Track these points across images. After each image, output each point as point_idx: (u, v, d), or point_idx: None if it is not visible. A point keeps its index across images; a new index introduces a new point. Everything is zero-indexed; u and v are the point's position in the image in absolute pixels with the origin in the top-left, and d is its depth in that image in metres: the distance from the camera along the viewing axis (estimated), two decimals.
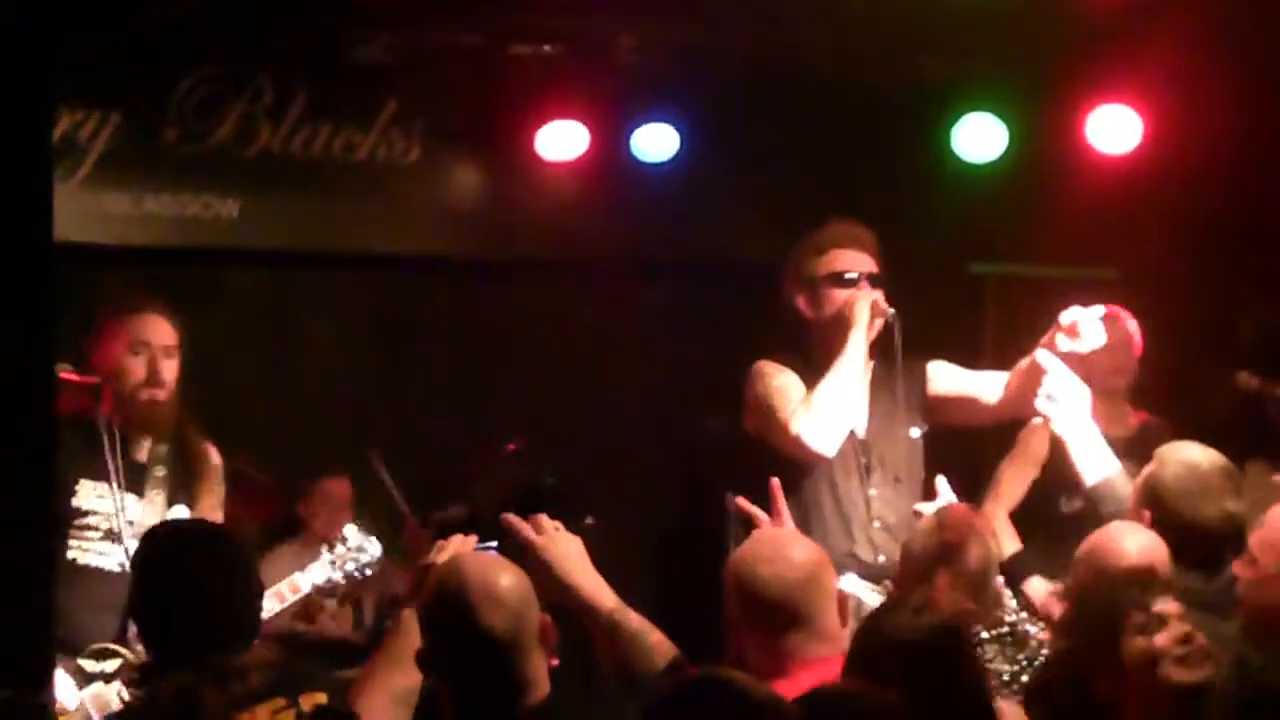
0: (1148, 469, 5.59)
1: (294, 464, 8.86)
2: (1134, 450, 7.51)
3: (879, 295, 6.51)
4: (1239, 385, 7.55)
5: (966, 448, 7.68)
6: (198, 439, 6.58)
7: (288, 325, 9.34)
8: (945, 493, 6.14)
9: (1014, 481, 7.59)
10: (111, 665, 6.13)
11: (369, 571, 6.83)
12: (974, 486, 7.83)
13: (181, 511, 6.43)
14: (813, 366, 6.53)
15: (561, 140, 9.24)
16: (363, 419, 9.26)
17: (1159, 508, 5.42)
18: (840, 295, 6.54)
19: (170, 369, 6.44)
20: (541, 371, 9.55)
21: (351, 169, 9.31)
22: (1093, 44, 8.48)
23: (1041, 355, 6.19)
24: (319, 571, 6.74)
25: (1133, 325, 7.23)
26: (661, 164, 9.36)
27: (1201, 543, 5.11)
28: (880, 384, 6.62)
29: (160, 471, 6.45)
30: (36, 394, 4.05)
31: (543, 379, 9.53)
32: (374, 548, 6.81)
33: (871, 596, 6.21)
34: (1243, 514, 5.44)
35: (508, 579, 4.31)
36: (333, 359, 9.36)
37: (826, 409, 6.38)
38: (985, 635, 5.00)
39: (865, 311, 6.44)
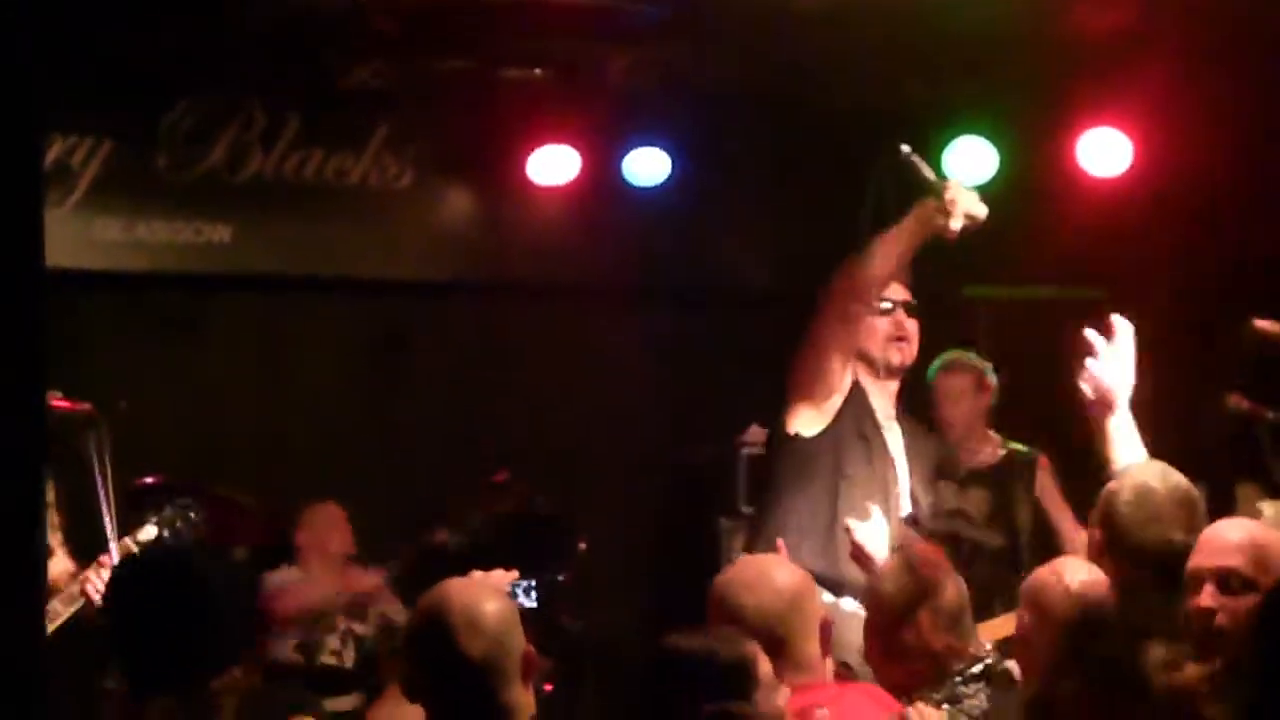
0: (1109, 486, 5.54)
1: (286, 488, 8.84)
2: (999, 479, 7.67)
3: None
4: (1229, 408, 7.55)
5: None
6: (105, 441, 6.53)
7: (280, 351, 9.34)
8: (877, 516, 6.15)
9: None
10: None
11: (192, 522, 6.87)
12: None
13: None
14: (855, 388, 6.58)
15: (553, 165, 9.26)
16: (356, 443, 9.26)
17: (1110, 528, 5.38)
18: (878, 323, 6.61)
19: None
20: (534, 395, 9.54)
21: (343, 194, 9.32)
22: (1082, 67, 8.49)
23: (1089, 332, 6.13)
24: (146, 533, 6.76)
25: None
26: (653, 188, 9.37)
27: (1150, 569, 5.05)
28: (915, 439, 6.69)
29: None
30: (27, 421, 4.04)
31: (536, 403, 9.52)
32: (194, 512, 6.86)
33: None
34: (1190, 544, 5.38)
35: (492, 605, 4.31)
36: (325, 384, 9.36)
37: (870, 259, 6.50)
38: (971, 672, 4.99)
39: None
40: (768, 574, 4.75)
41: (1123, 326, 5.99)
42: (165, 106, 8.97)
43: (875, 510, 6.17)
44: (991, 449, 7.91)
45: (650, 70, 8.96)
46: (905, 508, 6.52)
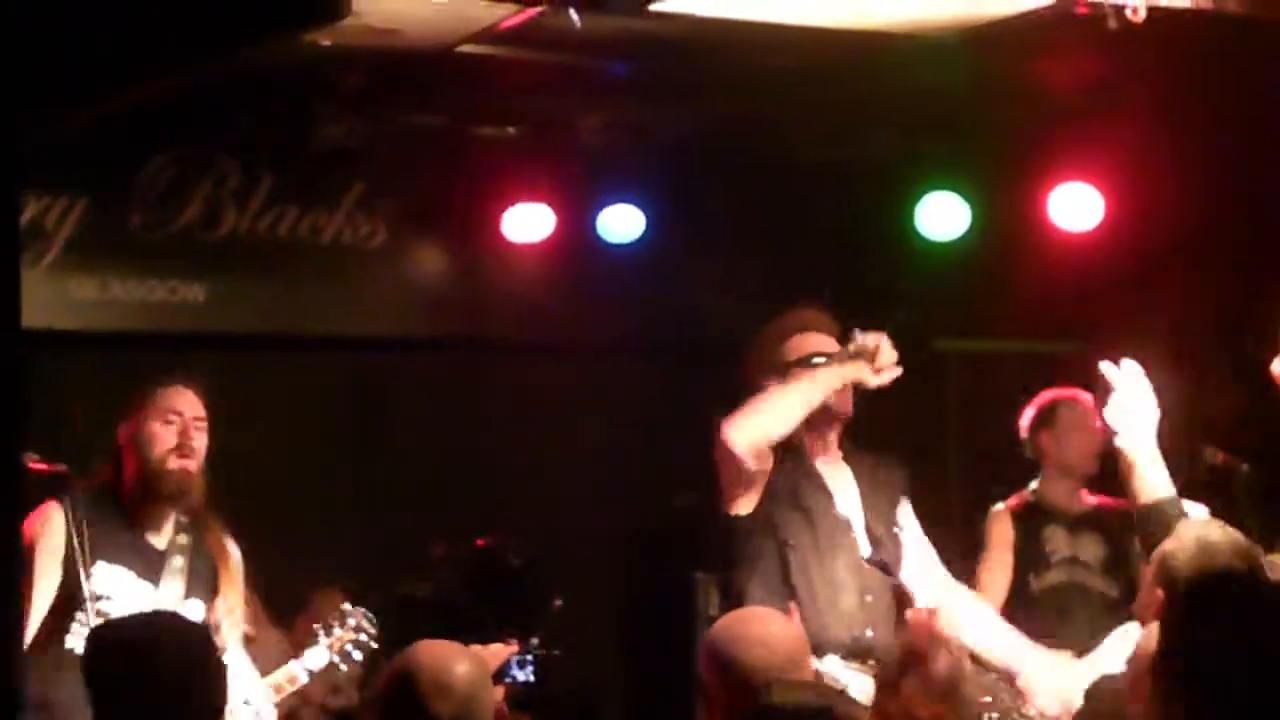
0: (1164, 545, 5.47)
1: (260, 548, 8.82)
2: (1107, 525, 7.56)
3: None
4: (1204, 460, 7.57)
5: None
6: (219, 531, 6.38)
7: (255, 409, 9.31)
8: (909, 520, 6.13)
9: (994, 575, 7.61)
10: None
11: (371, 648, 6.59)
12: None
13: (196, 607, 6.20)
14: (790, 447, 6.56)
15: (527, 222, 9.29)
16: (330, 501, 9.24)
17: (1173, 588, 5.34)
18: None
19: (201, 440, 6.31)
20: (510, 452, 9.54)
21: (318, 251, 9.33)
22: (1053, 122, 8.54)
23: (1107, 367, 6.11)
24: (316, 657, 6.50)
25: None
26: (627, 245, 9.40)
27: None
28: (868, 471, 6.68)
29: (178, 562, 6.26)
30: (3, 483, 4.05)
31: (511, 460, 9.52)
32: (371, 626, 6.59)
33: (856, 678, 6.21)
34: None
35: (461, 666, 4.31)
36: (299, 441, 9.34)
37: (757, 411, 6.39)
38: None
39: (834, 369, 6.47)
40: (768, 630, 4.75)
41: (1133, 367, 6.02)
42: (139, 165, 8.98)
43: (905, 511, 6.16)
44: (1081, 501, 7.68)
45: (622, 127, 8.99)
46: (865, 550, 6.54)
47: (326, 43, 7.27)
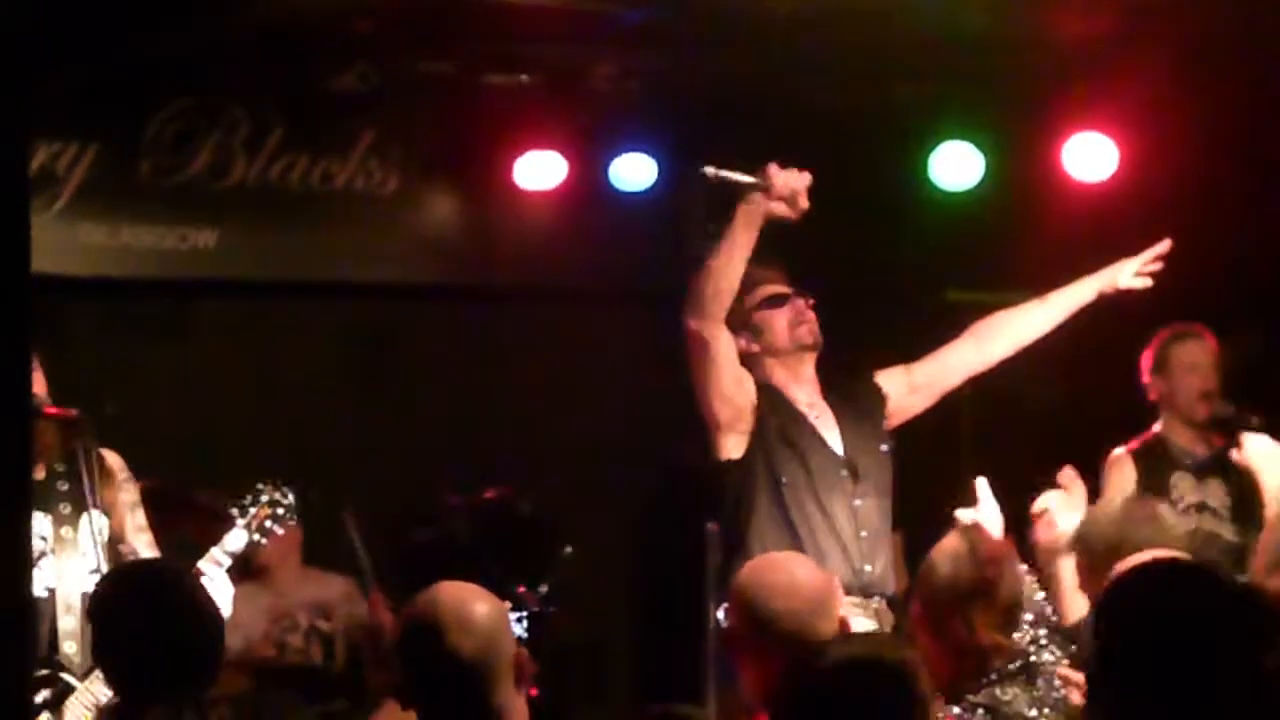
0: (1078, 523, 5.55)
1: None
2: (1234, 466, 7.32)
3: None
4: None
5: (937, 461, 7.69)
6: (91, 447, 6.34)
7: (265, 356, 9.33)
8: (986, 496, 6.06)
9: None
10: (45, 694, 6.05)
11: (290, 521, 6.54)
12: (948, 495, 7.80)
13: (99, 518, 6.28)
14: (764, 385, 6.68)
15: (539, 169, 9.27)
16: (342, 447, 9.24)
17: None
18: (777, 315, 6.73)
19: None
20: (519, 399, 9.54)
21: (328, 199, 9.31)
22: (1069, 72, 8.51)
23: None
24: (235, 539, 6.40)
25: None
26: (639, 193, 9.37)
27: None
28: (845, 399, 6.82)
29: (63, 485, 6.30)
30: (13, 427, 4.04)
31: (521, 407, 9.52)
32: (288, 497, 6.52)
33: (859, 620, 6.21)
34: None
35: (482, 606, 4.33)
36: (310, 389, 9.35)
37: (705, 280, 6.64)
38: (1010, 670, 4.94)
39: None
40: (796, 576, 4.72)
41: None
42: (149, 112, 8.96)
43: (983, 490, 6.13)
44: (1209, 440, 7.45)
45: (636, 75, 8.96)
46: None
47: None
